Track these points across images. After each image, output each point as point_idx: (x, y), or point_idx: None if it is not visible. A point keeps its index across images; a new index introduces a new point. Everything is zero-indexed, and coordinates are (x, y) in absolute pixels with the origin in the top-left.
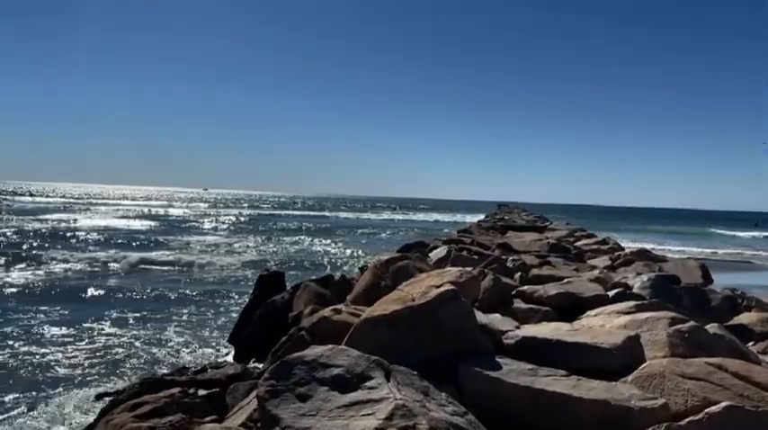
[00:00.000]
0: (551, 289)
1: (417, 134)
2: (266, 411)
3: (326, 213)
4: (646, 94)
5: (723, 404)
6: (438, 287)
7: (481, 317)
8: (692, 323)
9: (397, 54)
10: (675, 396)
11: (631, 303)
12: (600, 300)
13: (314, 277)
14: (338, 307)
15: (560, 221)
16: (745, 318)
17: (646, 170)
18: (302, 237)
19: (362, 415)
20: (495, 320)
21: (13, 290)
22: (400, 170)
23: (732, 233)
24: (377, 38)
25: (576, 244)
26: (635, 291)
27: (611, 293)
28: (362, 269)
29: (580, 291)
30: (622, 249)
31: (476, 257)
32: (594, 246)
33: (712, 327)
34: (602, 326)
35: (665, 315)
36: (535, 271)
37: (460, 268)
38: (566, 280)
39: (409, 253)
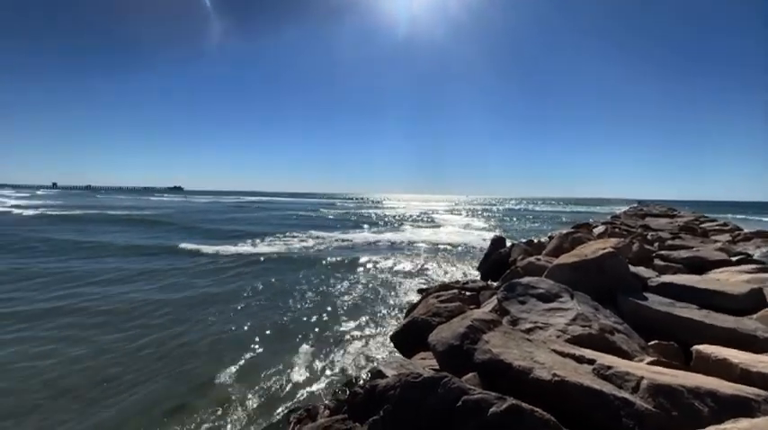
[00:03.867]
0: (684, 253)
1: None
2: (502, 306)
3: (535, 207)
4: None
5: None
6: (603, 249)
7: (631, 268)
8: None
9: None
10: None
11: (753, 266)
12: (723, 263)
13: (522, 240)
14: (538, 257)
15: (686, 211)
16: None
17: None
18: (515, 219)
19: (557, 315)
20: (641, 271)
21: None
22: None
23: None
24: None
25: (701, 225)
26: (756, 258)
27: (734, 259)
28: (550, 237)
29: (706, 256)
30: (741, 230)
31: (625, 233)
32: (717, 227)
33: None
34: (727, 280)
35: None
36: (669, 242)
37: (617, 239)
38: (694, 248)
39: (580, 229)
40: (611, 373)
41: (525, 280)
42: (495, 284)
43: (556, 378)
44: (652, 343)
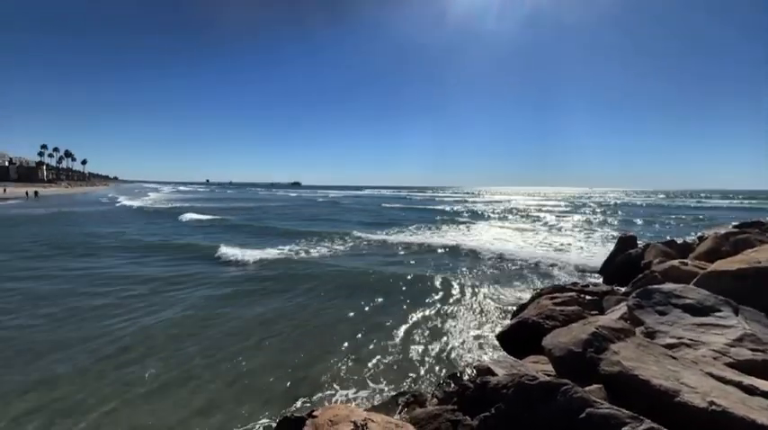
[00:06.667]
0: None
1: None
2: (633, 315)
3: (670, 201)
4: None
5: None
6: None
7: None
8: None
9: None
10: None
11: None
12: None
13: (660, 241)
14: (684, 260)
15: None
16: None
17: None
18: (650, 215)
19: (712, 333)
20: None
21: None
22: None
23: None
24: None
25: None
26: None
27: None
28: (701, 238)
29: None
30: None
31: None
32: None
33: None
34: None
35: None
36: None
37: None
38: None
39: (748, 229)
40: None
41: (666, 287)
42: (622, 290)
43: (714, 407)
44: None
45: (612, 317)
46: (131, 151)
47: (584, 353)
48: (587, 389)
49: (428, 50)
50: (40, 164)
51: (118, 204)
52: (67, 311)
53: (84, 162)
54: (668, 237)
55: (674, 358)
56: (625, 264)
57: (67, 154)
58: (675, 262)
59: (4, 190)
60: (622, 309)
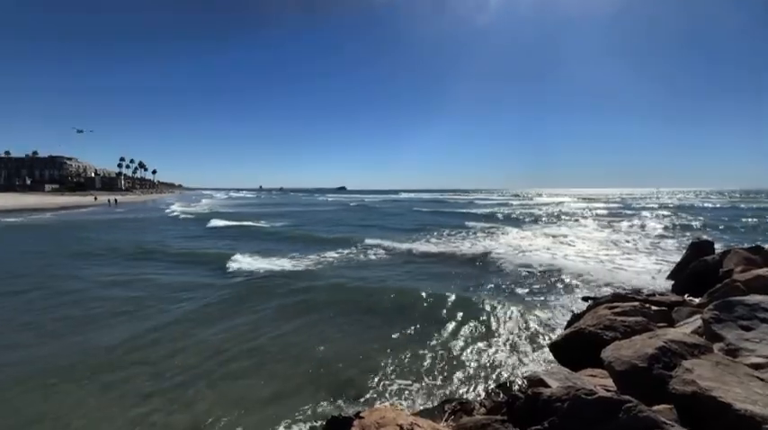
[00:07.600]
0: None
1: None
2: (711, 330)
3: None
4: None
5: None
6: None
7: None
8: None
9: None
10: None
11: None
12: None
13: (744, 246)
14: None
15: None
16: None
17: None
18: (724, 219)
19: None
20: None
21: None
22: None
23: None
24: None
25: None
26: None
27: None
28: None
29: None
30: None
31: None
32: None
33: None
34: None
35: None
36: None
37: None
38: None
39: None
40: None
41: (752, 298)
42: (696, 301)
43: None
44: None
45: (684, 330)
46: (195, 160)
47: (651, 368)
48: (655, 408)
49: (480, 48)
50: (119, 174)
51: (167, 210)
52: (67, 318)
53: (154, 172)
54: (746, 244)
55: (761, 380)
56: (700, 273)
57: (141, 165)
58: (762, 270)
59: (95, 198)
60: (696, 322)
